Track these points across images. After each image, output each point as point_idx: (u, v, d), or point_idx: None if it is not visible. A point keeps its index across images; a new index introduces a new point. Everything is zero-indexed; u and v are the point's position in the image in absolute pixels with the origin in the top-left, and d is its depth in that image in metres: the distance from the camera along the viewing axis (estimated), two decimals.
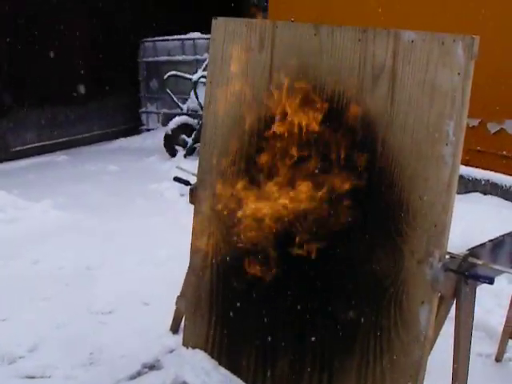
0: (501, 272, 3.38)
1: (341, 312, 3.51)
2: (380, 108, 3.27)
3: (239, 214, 3.68)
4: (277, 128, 3.61)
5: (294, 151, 3.56)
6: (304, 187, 3.47)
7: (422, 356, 3.19)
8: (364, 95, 3.33)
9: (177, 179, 4.37)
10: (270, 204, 3.52)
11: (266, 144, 3.70)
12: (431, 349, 3.32)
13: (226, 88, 3.98)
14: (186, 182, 4.27)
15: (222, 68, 4.00)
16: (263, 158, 3.69)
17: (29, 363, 4.36)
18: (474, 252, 3.26)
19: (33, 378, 4.22)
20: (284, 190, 3.53)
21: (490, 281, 3.07)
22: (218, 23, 4.02)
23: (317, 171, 3.49)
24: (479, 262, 3.17)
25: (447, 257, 3.13)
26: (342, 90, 3.42)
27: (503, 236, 3.59)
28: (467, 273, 3.14)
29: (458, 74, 2.98)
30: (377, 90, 3.28)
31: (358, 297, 3.44)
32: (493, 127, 8.38)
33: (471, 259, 3.16)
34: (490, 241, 3.47)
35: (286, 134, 3.59)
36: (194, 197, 4.20)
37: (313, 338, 3.67)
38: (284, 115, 3.60)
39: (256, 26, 3.84)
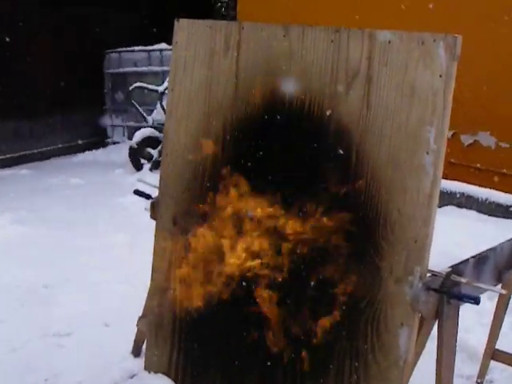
0: (485, 290, 3.16)
1: (313, 336, 3.26)
2: (354, 114, 3.03)
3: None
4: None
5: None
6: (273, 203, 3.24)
7: (402, 382, 2.96)
8: (337, 101, 3.09)
9: (138, 193, 4.11)
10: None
11: (231, 154, 3.46)
12: (411, 374, 3.10)
13: (188, 96, 3.72)
14: (148, 196, 4.01)
15: (184, 74, 3.73)
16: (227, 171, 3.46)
17: None
18: (456, 269, 3.04)
19: None
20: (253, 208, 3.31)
21: (476, 301, 2.84)
22: (181, 25, 3.76)
23: (286, 185, 3.26)
24: (463, 281, 2.95)
25: (428, 275, 2.90)
26: (314, 95, 3.17)
27: (486, 251, 3.37)
28: (451, 292, 2.91)
29: (440, 76, 2.77)
30: (351, 94, 3.05)
31: (332, 318, 3.18)
32: (466, 139, 8.24)
33: (454, 277, 2.93)
34: (473, 257, 3.25)
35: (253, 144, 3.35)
36: (155, 212, 3.94)
37: (282, 363, 3.41)
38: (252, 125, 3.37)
39: (221, 28, 3.58)
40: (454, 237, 5.46)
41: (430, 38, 2.78)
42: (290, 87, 3.25)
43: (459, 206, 7.43)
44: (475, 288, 3.02)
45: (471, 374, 4.28)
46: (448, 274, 2.91)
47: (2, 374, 4.22)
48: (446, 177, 7.27)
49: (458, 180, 7.69)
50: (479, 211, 7.27)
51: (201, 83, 3.64)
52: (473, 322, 4.74)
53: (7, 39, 10.81)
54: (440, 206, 7.15)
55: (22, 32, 11.02)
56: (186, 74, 3.71)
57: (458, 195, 7.48)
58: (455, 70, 2.76)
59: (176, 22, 3.76)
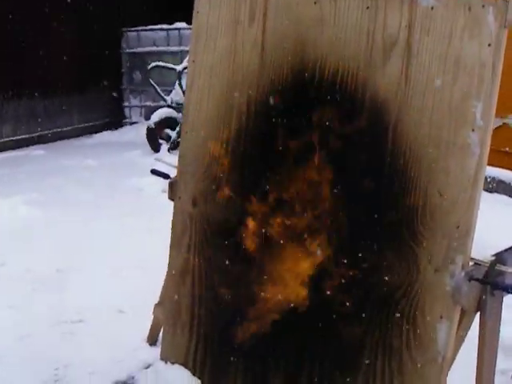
0: None
1: (343, 329, 3.03)
2: (392, 87, 2.78)
3: None
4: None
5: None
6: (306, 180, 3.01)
7: (440, 380, 2.74)
8: (373, 72, 2.84)
9: (155, 172, 3.89)
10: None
11: (255, 130, 3.22)
12: (449, 370, 2.86)
13: (210, 67, 3.48)
14: (165, 176, 3.78)
15: (206, 45, 3.49)
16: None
17: None
18: (500, 257, 2.80)
19: None
20: (281, 185, 3.08)
21: None
22: None
23: (318, 162, 3.01)
24: (509, 270, 2.70)
25: (471, 264, 2.67)
26: (347, 66, 2.92)
27: None
28: (495, 283, 2.66)
29: (489, 45, 2.52)
30: (388, 66, 2.79)
31: (364, 310, 2.95)
32: (495, 122, 7.97)
33: (499, 266, 2.69)
34: None
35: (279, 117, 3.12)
36: (173, 192, 3.70)
37: (310, 360, 3.18)
38: (279, 97, 3.13)
39: None
40: (488, 223, 5.23)
41: (478, 4, 2.53)
42: (320, 57, 3.00)
43: (490, 190, 7.22)
44: None
45: (506, 368, 4.05)
46: (493, 264, 2.68)
47: (11, 362, 4.03)
48: None
49: (487, 165, 7.48)
50: (511, 196, 7.07)
51: (224, 54, 3.39)
52: (507, 315, 4.49)
53: (23, 18, 10.65)
54: None
55: (38, 11, 10.88)
56: (208, 44, 3.46)
57: (488, 179, 7.26)
58: (505, 39, 2.51)
59: None
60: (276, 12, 3.17)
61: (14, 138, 10.87)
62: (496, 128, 7.84)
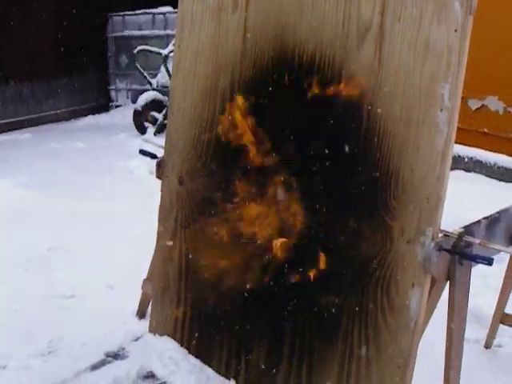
0: (497, 251, 3.10)
1: (322, 297, 3.21)
2: (366, 70, 2.95)
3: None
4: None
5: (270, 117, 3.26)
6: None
7: (412, 343, 2.91)
8: (348, 57, 3.01)
9: (143, 152, 4.04)
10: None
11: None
12: (421, 336, 3.05)
13: (195, 52, 3.64)
14: (153, 155, 3.94)
15: (191, 31, 3.65)
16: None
17: None
18: (468, 230, 2.99)
19: None
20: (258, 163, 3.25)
21: (489, 262, 2.77)
22: None
23: (295, 139, 3.19)
24: (476, 241, 2.88)
25: (440, 235, 2.84)
26: (325, 50, 3.09)
27: (498, 213, 3.32)
28: (463, 253, 2.84)
29: (455, 30, 2.68)
30: (363, 50, 2.96)
31: (341, 280, 3.13)
32: (474, 104, 8.19)
33: (467, 237, 2.87)
34: (485, 218, 3.20)
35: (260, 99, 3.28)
36: (161, 171, 3.87)
37: (291, 326, 3.37)
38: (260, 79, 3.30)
39: None
40: (463, 200, 5.42)
41: None
42: (299, 42, 3.17)
43: (467, 170, 7.41)
44: (487, 249, 2.96)
45: (479, 337, 4.25)
46: (461, 235, 2.85)
47: (5, 337, 4.19)
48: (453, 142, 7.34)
49: (466, 145, 7.65)
50: (487, 176, 7.24)
51: (208, 40, 3.56)
52: (480, 286, 4.68)
53: (9, 2, 10.73)
54: None
55: None
56: (193, 29, 3.63)
57: (466, 159, 7.44)
58: (471, 25, 2.68)
59: None
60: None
61: (2, 122, 10.96)
62: (475, 109, 8.06)
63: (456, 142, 7.39)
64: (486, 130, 8.09)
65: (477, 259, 2.82)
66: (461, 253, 2.84)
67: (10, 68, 10.93)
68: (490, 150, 7.60)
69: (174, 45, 9.75)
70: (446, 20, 2.69)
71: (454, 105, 2.71)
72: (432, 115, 2.75)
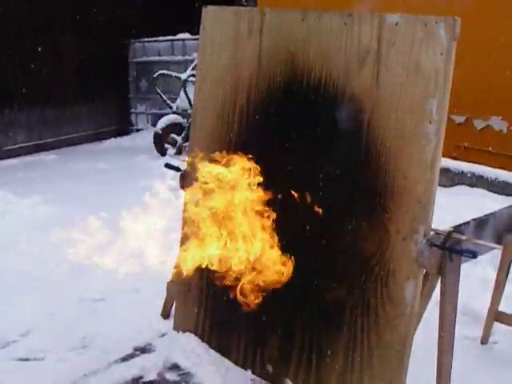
0: (485, 248, 3.45)
1: (328, 291, 3.59)
2: (366, 89, 3.36)
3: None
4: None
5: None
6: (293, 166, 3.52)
7: (408, 330, 3.28)
8: (350, 77, 3.43)
9: (168, 166, 4.43)
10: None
11: (256, 127, 3.78)
12: (417, 324, 3.42)
13: (215, 75, 4.06)
14: (177, 168, 4.34)
15: (211, 55, 4.08)
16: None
17: (22, 347, 4.44)
18: (458, 228, 3.35)
19: (26, 360, 4.29)
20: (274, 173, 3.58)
21: (474, 255, 3.15)
22: (208, 11, 4.11)
23: (305, 149, 3.57)
24: (463, 238, 3.25)
25: (432, 233, 3.22)
26: (330, 72, 3.51)
27: (486, 215, 3.69)
28: (452, 248, 3.21)
29: (441, 54, 3.08)
30: (363, 71, 3.38)
31: (345, 275, 3.52)
32: (479, 124, 8.50)
33: (455, 235, 3.24)
34: (474, 219, 3.56)
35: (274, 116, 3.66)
36: (184, 182, 4.27)
37: (301, 318, 3.76)
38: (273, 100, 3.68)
39: (245, 14, 3.93)
40: (464, 213, 5.74)
41: (432, 20, 3.10)
42: (307, 66, 3.58)
43: (470, 185, 7.68)
44: (475, 245, 3.32)
45: (476, 335, 4.58)
46: (450, 232, 3.22)
47: (42, 334, 4.62)
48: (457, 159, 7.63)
49: (473, 162, 7.93)
50: (489, 190, 7.50)
51: (226, 63, 3.99)
52: (478, 290, 5.03)
53: (34, 31, 11.16)
54: (451, 186, 7.51)
55: (48, 25, 11.37)
56: (214, 55, 4.06)
57: (468, 175, 7.74)
58: (455, 49, 3.07)
59: (204, 8, 4.11)
60: (270, 28, 3.77)
61: (27, 144, 11.35)
62: (480, 129, 8.39)
63: (463, 160, 7.76)
64: (490, 148, 8.38)
65: (463, 253, 3.20)
66: (450, 248, 3.21)
67: (36, 93, 11.31)
68: (493, 166, 7.86)
69: (192, 69, 10.13)
70: (434, 45, 3.10)
71: (441, 118, 3.09)
72: (422, 128, 3.14)
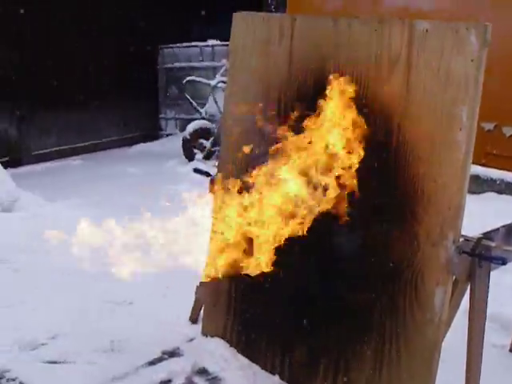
0: None
1: (357, 296, 3.60)
2: (396, 95, 3.37)
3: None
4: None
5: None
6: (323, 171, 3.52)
7: (437, 337, 3.28)
8: (381, 83, 3.43)
9: (197, 171, 4.47)
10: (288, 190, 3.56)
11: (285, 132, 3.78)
12: (446, 331, 3.40)
13: (246, 81, 4.08)
14: (207, 173, 4.37)
15: (242, 60, 4.11)
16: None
17: (51, 349, 4.46)
18: (487, 235, 3.35)
19: (55, 363, 4.32)
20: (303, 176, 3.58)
21: (503, 261, 3.15)
22: (239, 17, 4.14)
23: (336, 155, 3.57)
24: (492, 244, 3.25)
25: (461, 239, 3.22)
26: (359, 78, 3.52)
27: None
28: (481, 255, 3.21)
29: (472, 60, 3.08)
30: (393, 77, 3.39)
31: (374, 280, 3.53)
32: (508, 131, 8.46)
33: (485, 242, 3.24)
34: (504, 226, 3.56)
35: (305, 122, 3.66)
36: (213, 186, 4.29)
37: (329, 323, 3.76)
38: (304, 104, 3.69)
39: (275, 20, 3.96)
40: (493, 220, 5.72)
41: (463, 27, 3.10)
42: (337, 72, 3.59)
43: (499, 192, 7.67)
44: (505, 252, 3.33)
45: (504, 343, 4.58)
46: (479, 239, 3.22)
47: (71, 336, 4.64)
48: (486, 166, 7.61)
49: (502, 169, 7.91)
50: None
51: (256, 69, 4.01)
52: (508, 297, 5.01)
53: (63, 35, 11.27)
54: (480, 192, 7.49)
55: (78, 28, 11.46)
56: (244, 60, 4.09)
57: (497, 182, 7.71)
58: (485, 55, 3.07)
59: (234, 14, 4.13)
60: (301, 34, 3.78)
61: (57, 149, 11.46)
62: (509, 136, 8.35)
63: (492, 167, 7.73)
64: None
65: (493, 260, 3.20)
66: (479, 255, 3.21)
67: (65, 99, 11.41)
68: None
69: (221, 75, 10.21)
70: (464, 52, 3.10)
71: (471, 124, 3.10)
72: (452, 134, 3.14)
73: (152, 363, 4.30)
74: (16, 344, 4.51)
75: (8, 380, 4.14)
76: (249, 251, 3.79)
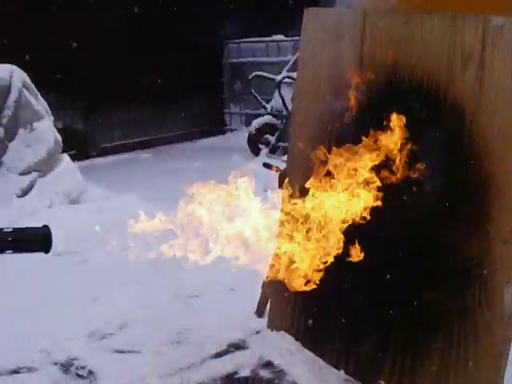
0: None
1: (425, 293, 3.58)
2: (469, 91, 3.34)
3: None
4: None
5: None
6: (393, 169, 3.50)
7: (506, 336, 3.25)
8: (453, 79, 3.41)
9: (266, 165, 4.48)
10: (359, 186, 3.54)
11: (355, 128, 3.78)
12: None
13: (316, 75, 4.09)
14: (276, 168, 4.38)
15: (313, 56, 4.11)
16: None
17: (118, 339, 4.56)
18: None
19: (122, 352, 4.40)
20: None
21: None
22: (310, 13, 4.14)
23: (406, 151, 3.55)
24: None
25: None
26: (432, 74, 3.50)
27: None
28: None
29: None
30: (466, 73, 3.36)
31: (443, 278, 3.51)
32: None
33: None
34: None
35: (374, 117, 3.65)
36: (282, 181, 4.30)
37: (397, 320, 3.74)
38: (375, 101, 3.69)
39: (347, 15, 3.95)
40: None
41: None
42: (409, 68, 3.58)
43: None
44: None
45: None
46: None
47: (138, 327, 4.72)
48: None
49: None
50: None
51: (328, 64, 4.00)
52: None
53: (132, 29, 11.43)
54: None
55: (146, 24, 11.58)
56: (315, 55, 4.09)
57: None
58: None
59: (305, 10, 4.13)
60: (372, 30, 3.77)
61: (124, 142, 11.62)
62: None
63: None
64: None
65: None
66: None
67: (132, 93, 11.54)
68: None
69: (287, 71, 10.18)
70: None
71: None
72: None
73: (218, 355, 4.34)
74: (84, 333, 4.61)
75: (77, 368, 4.23)
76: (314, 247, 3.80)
